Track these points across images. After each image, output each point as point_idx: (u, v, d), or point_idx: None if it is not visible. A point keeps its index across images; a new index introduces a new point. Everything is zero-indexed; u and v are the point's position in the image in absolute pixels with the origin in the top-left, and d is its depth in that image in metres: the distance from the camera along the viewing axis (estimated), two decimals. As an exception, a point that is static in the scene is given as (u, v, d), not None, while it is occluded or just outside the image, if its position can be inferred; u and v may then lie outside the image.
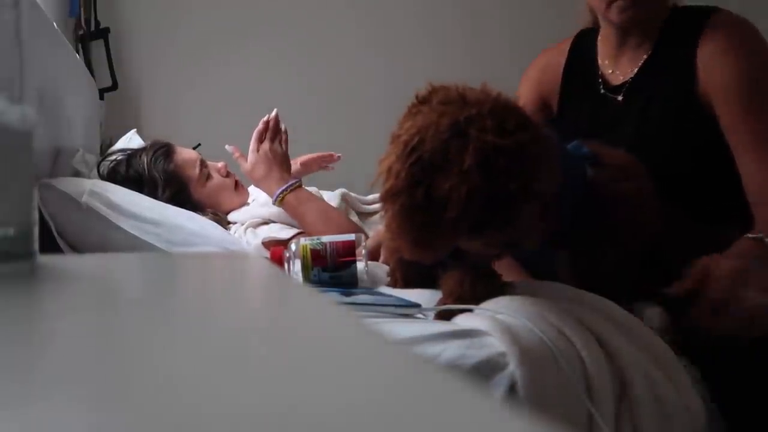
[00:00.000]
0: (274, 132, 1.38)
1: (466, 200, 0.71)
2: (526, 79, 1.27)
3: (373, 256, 1.17)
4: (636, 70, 1.12)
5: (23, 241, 0.45)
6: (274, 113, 1.40)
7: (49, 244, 1.19)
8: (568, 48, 1.23)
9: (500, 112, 0.74)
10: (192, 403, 0.20)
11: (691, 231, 1.04)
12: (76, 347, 0.27)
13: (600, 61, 1.18)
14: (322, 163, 1.71)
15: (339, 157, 1.72)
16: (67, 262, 0.59)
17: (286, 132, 1.40)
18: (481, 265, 0.90)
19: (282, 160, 1.36)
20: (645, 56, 1.12)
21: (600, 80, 1.17)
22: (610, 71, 1.16)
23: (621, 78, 1.14)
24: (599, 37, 1.18)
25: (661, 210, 1.00)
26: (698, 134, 1.06)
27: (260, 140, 1.37)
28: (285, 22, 2.37)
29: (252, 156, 1.36)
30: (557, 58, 1.23)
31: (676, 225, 1.03)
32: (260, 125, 1.38)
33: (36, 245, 0.46)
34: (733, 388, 0.82)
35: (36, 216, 0.47)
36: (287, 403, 0.20)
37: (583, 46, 1.21)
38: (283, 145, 1.39)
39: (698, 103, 1.05)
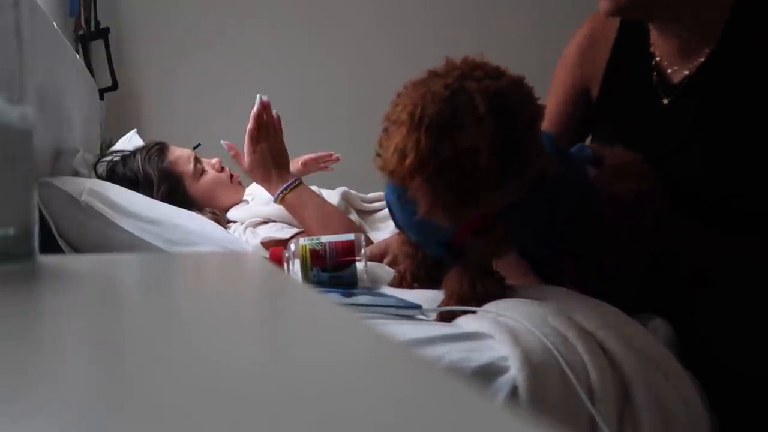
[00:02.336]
0: (266, 128, 1.32)
1: (490, 146, 0.73)
2: (564, 65, 1.18)
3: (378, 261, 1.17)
4: (696, 68, 1.02)
5: (23, 241, 0.44)
6: (258, 101, 1.32)
7: (49, 244, 1.19)
8: (615, 27, 1.11)
9: (478, 64, 0.78)
10: (192, 403, 0.20)
11: (702, 236, 1.00)
12: (76, 347, 0.27)
13: (654, 51, 1.07)
14: (322, 163, 1.71)
15: (338, 158, 1.72)
16: (67, 262, 0.58)
17: (279, 120, 1.34)
18: (482, 264, 0.90)
19: (279, 158, 1.33)
20: (706, 55, 1.02)
21: (654, 72, 1.07)
22: (665, 63, 1.06)
23: (678, 74, 1.05)
24: (650, 24, 1.08)
25: (668, 211, 0.98)
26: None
27: (254, 140, 1.32)
28: (285, 22, 2.37)
29: (249, 158, 1.33)
30: (602, 37, 1.12)
31: (687, 230, 1.00)
32: (251, 123, 1.31)
33: (36, 245, 0.46)
34: (733, 399, 0.81)
35: (36, 216, 0.47)
36: (287, 403, 0.20)
37: (633, 29, 1.09)
38: (279, 137, 1.34)
39: None
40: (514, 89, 0.77)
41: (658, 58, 1.06)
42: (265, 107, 1.32)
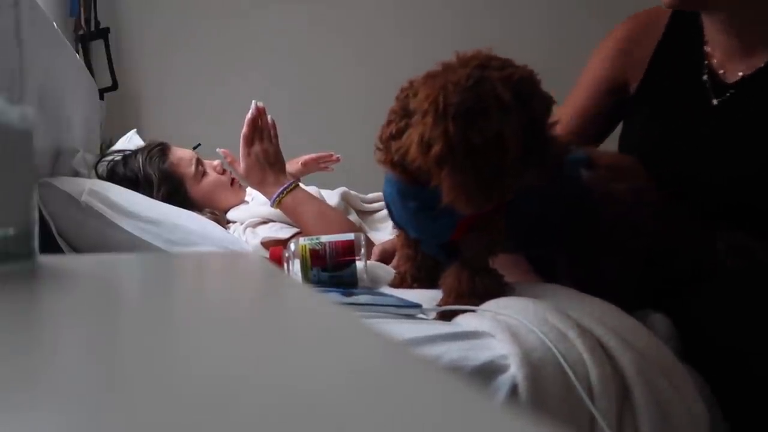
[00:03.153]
0: (261, 132, 1.32)
1: (516, 132, 0.75)
2: (601, 56, 1.14)
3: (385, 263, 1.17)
4: (755, 70, 0.99)
5: (23, 241, 0.44)
6: (254, 107, 1.32)
7: (49, 244, 1.19)
8: (664, 22, 1.08)
9: (492, 56, 0.80)
10: (192, 403, 0.20)
11: (700, 233, 1.00)
12: (76, 347, 0.27)
13: (708, 50, 1.04)
14: (322, 163, 1.71)
15: (339, 158, 1.72)
16: (67, 262, 0.58)
17: (274, 125, 1.34)
18: (478, 261, 0.90)
19: (275, 160, 1.32)
20: (762, 62, 0.98)
21: (706, 71, 1.03)
22: (718, 63, 1.02)
23: (732, 75, 1.01)
24: (705, 21, 1.03)
25: (663, 210, 0.98)
26: None
27: (248, 143, 1.32)
28: (286, 22, 2.37)
29: (244, 162, 1.32)
30: (647, 30, 1.09)
31: (685, 227, 1.00)
32: (245, 128, 1.32)
33: (36, 245, 0.46)
34: (735, 392, 0.81)
35: (36, 216, 0.47)
36: (287, 403, 0.20)
37: (687, 23, 1.06)
38: (274, 140, 1.33)
39: None
40: (529, 77, 0.79)
41: (713, 59, 1.03)
42: (260, 112, 1.33)
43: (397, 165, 0.86)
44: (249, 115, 1.32)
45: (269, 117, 1.34)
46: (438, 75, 0.79)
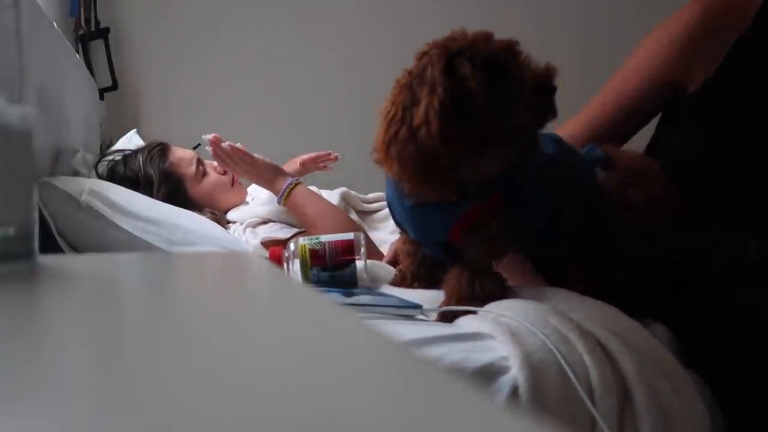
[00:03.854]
0: (232, 161, 1.37)
1: (442, 109, 0.75)
2: (663, 39, 0.97)
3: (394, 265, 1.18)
4: None
5: (23, 241, 0.44)
6: (208, 144, 1.36)
7: (49, 244, 1.19)
8: (755, 8, 0.90)
9: (461, 33, 0.80)
10: (192, 403, 0.20)
11: (728, 234, 0.95)
12: (76, 347, 0.27)
13: None
14: (320, 162, 1.71)
15: (337, 157, 1.72)
16: (67, 261, 0.58)
17: (235, 149, 1.36)
18: (480, 263, 0.90)
19: (260, 172, 1.36)
20: None
21: None
22: None
23: None
24: None
25: (682, 219, 0.93)
26: None
27: (233, 171, 1.41)
28: (286, 22, 2.37)
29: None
30: (734, 16, 0.91)
31: (710, 232, 0.94)
32: (222, 166, 1.41)
33: (36, 245, 0.46)
34: (736, 396, 0.81)
35: (36, 216, 0.47)
36: (287, 404, 0.20)
37: None
38: (247, 159, 1.36)
39: None
40: (474, 40, 0.78)
41: None
42: (214, 145, 1.37)
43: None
44: (211, 153, 1.38)
45: (225, 144, 1.37)
46: (412, 69, 0.82)
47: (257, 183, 1.40)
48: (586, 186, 0.94)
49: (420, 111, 0.76)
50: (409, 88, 0.78)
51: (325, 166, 1.73)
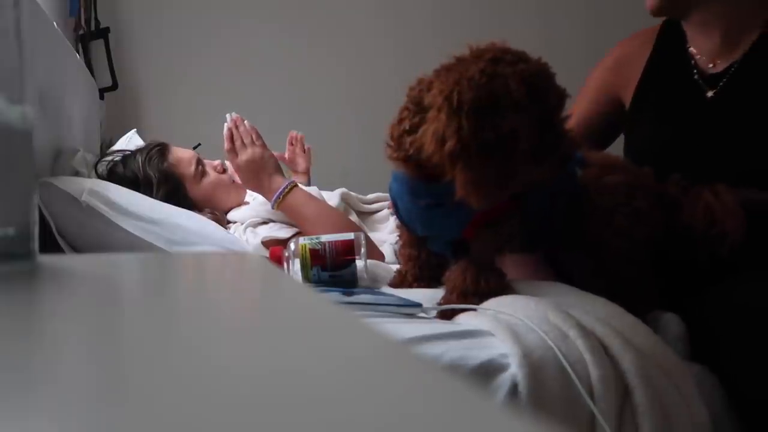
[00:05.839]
0: (242, 141, 1.34)
1: (529, 128, 0.76)
2: (600, 67, 1.24)
3: None
4: (738, 59, 1.06)
5: (23, 241, 0.44)
6: (229, 119, 1.35)
7: (49, 244, 1.19)
8: (654, 37, 1.17)
9: (506, 49, 0.81)
10: (191, 402, 0.20)
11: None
12: (76, 347, 0.27)
13: (692, 50, 1.12)
14: (298, 149, 1.68)
15: (299, 135, 1.68)
16: (67, 261, 0.58)
17: (254, 129, 1.35)
18: (486, 259, 0.90)
19: (264, 164, 1.34)
20: (748, 45, 1.06)
21: (694, 68, 1.11)
22: (704, 59, 1.10)
23: (716, 66, 1.09)
24: (686, 27, 1.13)
25: (662, 195, 0.99)
26: None
27: (234, 155, 1.35)
28: (286, 22, 2.37)
29: (237, 174, 1.37)
30: (638, 48, 1.18)
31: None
32: (226, 144, 1.35)
33: (36, 245, 0.46)
34: (749, 393, 0.81)
35: (36, 216, 0.47)
36: (287, 403, 0.20)
37: (672, 33, 1.15)
38: (257, 142, 1.34)
39: None
40: (543, 71, 0.80)
41: (697, 56, 1.10)
42: (236, 123, 1.35)
43: (410, 161, 0.86)
44: (225, 130, 1.36)
45: (246, 123, 1.36)
46: (452, 69, 0.80)
47: (249, 184, 1.37)
48: (570, 184, 0.97)
49: (508, 122, 0.76)
50: (483, 87, 0.76)
51: (304, 151, 1.68)
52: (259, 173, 1.34)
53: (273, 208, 1.34)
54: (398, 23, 2.42)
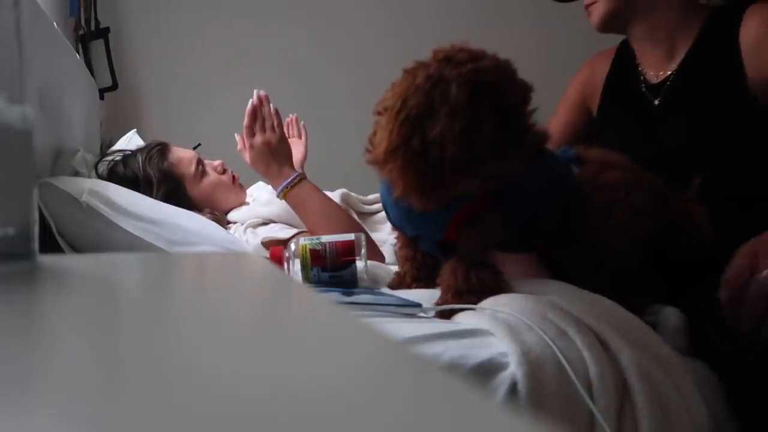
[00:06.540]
0: (262, 121, 1.32)
1: (461, 136, 0.76)
2: (574, 81, 1.35)
3: None
4: (676, 68, 1.14)
5: (23, 241, 0.45)
6: (255, 96, 1.32)
7: (49, 244, 1.19)
8: (612, 55, 1.28)
9: (462, 48, 0.81)
10: (191, 402, 0.20)
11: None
12: (76, 347, 0.27)
13: (639, 61, 1.21)
14: (294, 134, 1.66)
15: (293, 116, 1.68)
16: (67, 261, 0.58)
17: (277, 113, 1.34)
18: (475, 255, 0.91)
19: (278, 151, 1.32)
20: (683, 54, 1.14)
21: (642, 80, 1.20)
22: (649, 71, 1.19)
23: (659, 77, 1.17)
24: (632, 40, 1.22)
25: (660, 190, 1.01)
26: (751, 125, 1.05)
27: (250, 134, 1.32)
28: (286, 22, 2.37)
29: (247, 154, 1.33)
30: (601, 65, 1.29)
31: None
32: (247, 120, 1.32)
33: (36, 245, 0.46)
34: (750, 390, 0.81)
35: (36, 216, 0.47)
36: (287, 403, 0.20)
37: (625, 51, 1.25)
38: (277, 129, 1.33)
39: (747, 92, 1.05)
40: (501, 68, 0.80)
41: (644, 70, 1.20)
42: (262, 102, 1.33)
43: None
44: (249, 106, 1.33)
45: (272, 106, 1.34)
46: (408, 74, 0.82)
47: (258, 166, 1.33)
48: (565, 180, 0.98)
49: (437, 129, 0.76)
50: (426, 94, 0.78)
51: (299, 131, 1.66)
52: (271, 159, 1.32)
53: (278, 197, 1.32)
54: (398, 23, 2.42)
